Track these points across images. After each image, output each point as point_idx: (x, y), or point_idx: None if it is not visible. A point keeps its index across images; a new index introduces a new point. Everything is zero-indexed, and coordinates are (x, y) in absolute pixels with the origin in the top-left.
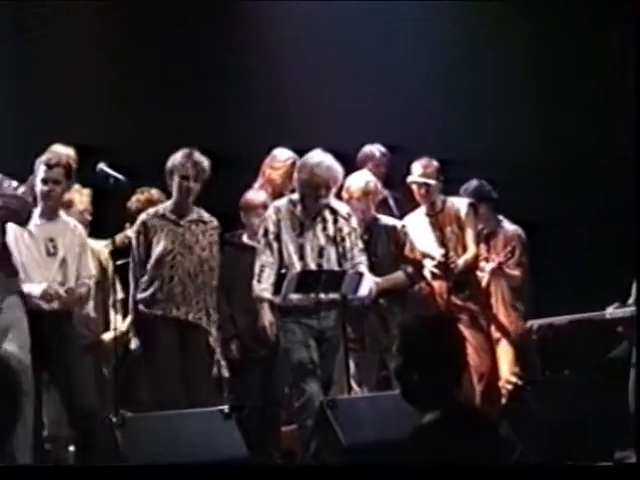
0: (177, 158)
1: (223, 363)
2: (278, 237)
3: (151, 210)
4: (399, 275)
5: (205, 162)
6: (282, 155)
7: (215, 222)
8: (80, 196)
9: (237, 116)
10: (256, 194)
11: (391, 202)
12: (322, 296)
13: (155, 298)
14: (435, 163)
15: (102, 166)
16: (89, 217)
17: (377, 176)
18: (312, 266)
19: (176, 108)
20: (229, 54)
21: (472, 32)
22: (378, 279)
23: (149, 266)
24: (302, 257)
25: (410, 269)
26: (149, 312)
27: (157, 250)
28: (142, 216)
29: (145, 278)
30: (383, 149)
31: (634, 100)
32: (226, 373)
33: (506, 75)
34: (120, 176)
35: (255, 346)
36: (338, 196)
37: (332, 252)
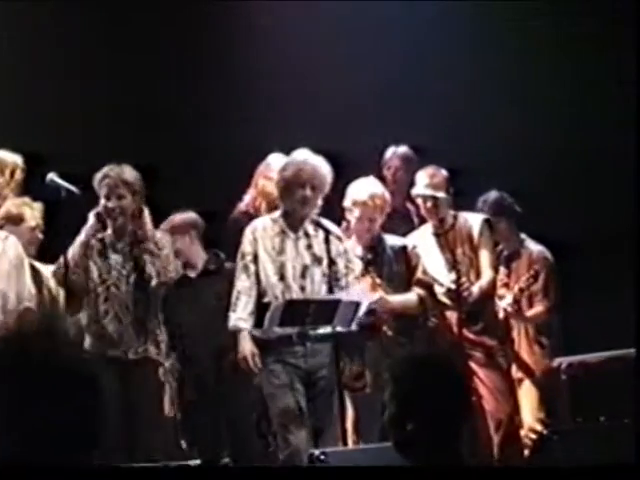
0: (97, 177)
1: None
2: (255, 258)
3: (99, 234)
4: (412, 297)
5: (125, 173)
6: (278, 163)
7: (158, 234)
8: (31, 211)
9: (226, 119)
10: (183, 215)
11: (415, 219)
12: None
13: (89, 336)
14: (444, 172)
15: (52, 176)
16: (40, 235)
17: (395, 184)
18: (294, 287)
19: (139, 112)
20: (211, 51)
21: (487, 32)
22: (388, 297)
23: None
24: (282, 277)
25: (423, 293)
26: (82, 353)
27: (90, 282)
28: (82, 237)
29: (80, 313)
30: (405, 152)
31: None
32: (178, 412)
33: (525, 74)
34: (73, 187)
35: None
36: (338, 206)
37: (317, 273)
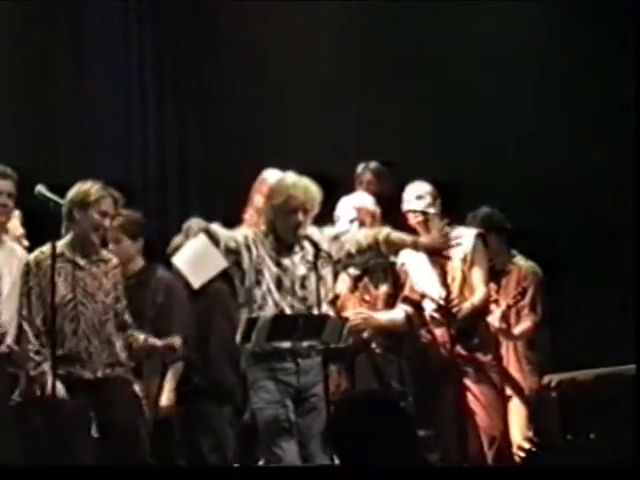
0: (92, 191)
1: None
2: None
3: (45, 248)
4: (399, 314)
5: (118, 195)
6: (274, 178)
7: (114, 260)
8: (14, 219)
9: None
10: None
11: None
12: (303, 344)
13: (57, 357)
14: (432, 187)
15: (41, 189)
16: (26, 243)
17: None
18: (295, 299)
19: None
20: (205, 64)
21: (477, 39)
22: (375, 314)
23: (43, 318)
24: (280, 289)
25: (411, 311)
26: (51, 373)
27: (55, 299)
28: (34, 254)
29: (42, 332)
30: (377, 167)
31: None
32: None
33: (518, 88)
34: (61, 201)
35: None
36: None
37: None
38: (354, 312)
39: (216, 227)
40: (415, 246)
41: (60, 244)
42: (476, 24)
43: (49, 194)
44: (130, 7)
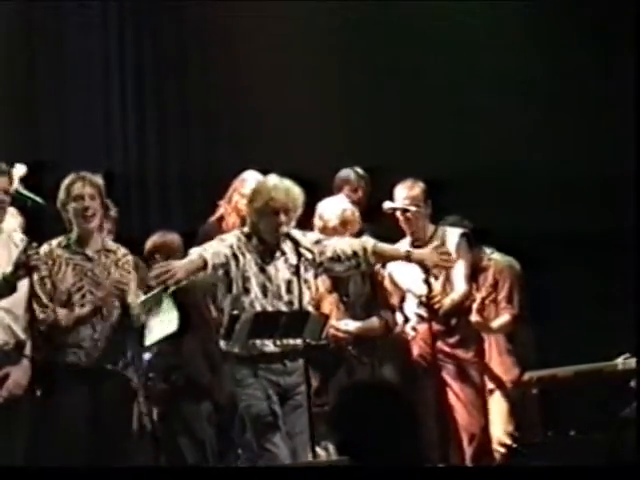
0: (63, 185)
1: (147, 414)
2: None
3: (54, 240)
4: (373, 322)
5: (97, 178)
6: (253, 181)
7: (123, 249)
8: (14, 219)
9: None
10: (171, 234)
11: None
12: (288, 343)
13: (61, 344)
14: (421, 185)
15: (18, 187)
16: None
17: (355, 203)
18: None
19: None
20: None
21: (467, 39)
22: (351, 323)
23: (54, 306)
24: (266, 295)
25: (388, 314)
26: (53, 361)
27: (63, 287)
28: (45, 246)
29: (50, 321)
30: (361, 171)
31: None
32: (149, 425)
33: (505, 85)
34: (38, 198)
35: None
36: (310, 225)
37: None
38: (332, 327)
39: (199, 250)
40: (407, 259)
41: (66, 237)
42: (474, 23)
43: (26, 192)
44: (110, 6)
